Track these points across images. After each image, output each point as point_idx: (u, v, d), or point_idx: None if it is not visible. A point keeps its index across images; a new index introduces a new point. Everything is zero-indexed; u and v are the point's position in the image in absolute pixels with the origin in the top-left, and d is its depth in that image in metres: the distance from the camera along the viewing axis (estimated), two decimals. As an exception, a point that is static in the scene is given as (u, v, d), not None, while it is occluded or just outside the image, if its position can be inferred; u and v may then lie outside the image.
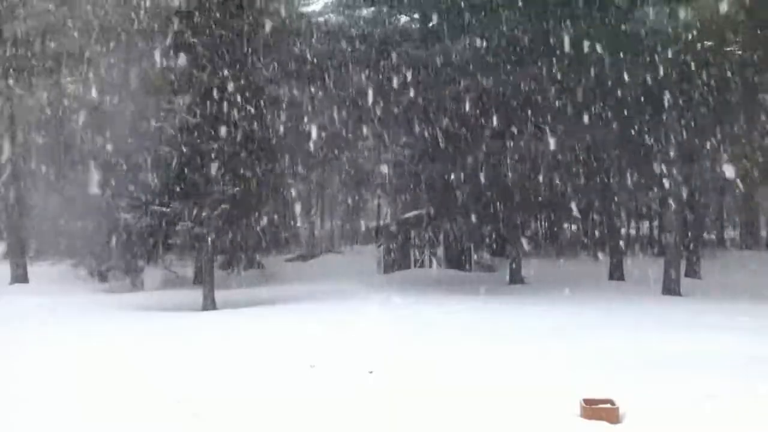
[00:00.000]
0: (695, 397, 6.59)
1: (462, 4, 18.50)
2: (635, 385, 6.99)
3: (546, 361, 8.65)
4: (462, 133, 19.58)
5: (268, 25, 17.22)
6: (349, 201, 40.21)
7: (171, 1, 16.33)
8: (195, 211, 15.54)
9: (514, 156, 19.11)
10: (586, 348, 9.56)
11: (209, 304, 16.24)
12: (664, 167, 18.53)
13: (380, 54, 19.53)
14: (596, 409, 5.96)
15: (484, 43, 18.16)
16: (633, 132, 19.40)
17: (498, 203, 20.22)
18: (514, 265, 21.51)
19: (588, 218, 32.08)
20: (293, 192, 18.01)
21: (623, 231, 31.64)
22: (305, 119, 21.76)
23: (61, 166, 24.15)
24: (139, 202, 15.98)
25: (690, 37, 15.80)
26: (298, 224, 26.14)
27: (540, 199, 21.62)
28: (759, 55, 16.77)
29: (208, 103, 15.82)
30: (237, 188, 15.74)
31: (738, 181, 18.86)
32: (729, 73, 17.31)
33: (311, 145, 21.43)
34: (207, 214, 15.55)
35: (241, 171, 15.95)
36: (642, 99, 18.50)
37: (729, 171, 17.20)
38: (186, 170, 15.67)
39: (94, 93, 20.29)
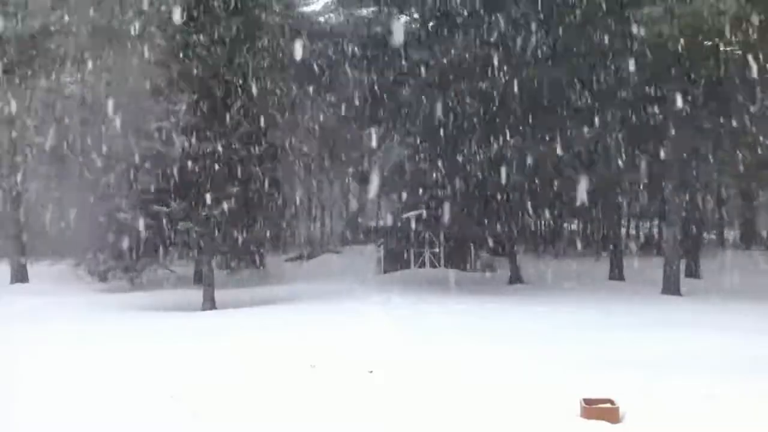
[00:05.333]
0: (695, 397, 6.58)
1: (462, 4, 18.50)
2: (635, 385, 6.98)
3: (546, 361, 8.64)
4: (462, 132, 19.58)
5: (269, 25, 17.23)
6: (350, 200, 40.25)
7: (172, 0, 16.34)
8: (195, 211, 15.54)
9: (514, 155, 19.10)
10: (586, 348, 9.56)
11: (209, 303, 16.24)
12: (663, 166, 18.53)
13: (380, 53, 19.52)
14: (596, 409, 5.95)
15: (485, 43, 18.16)
16: (632, 131, 19.40)
17: (498, 203, 20.22)
18: (514, 265, 21.51)
19: (588, 218, 32.09)
20: (293, 191, 18.00)
21: (623, 231, 31.61)
22: (305, 119, 21.78)
23: (61, 166, 24.12)
24: (139, 201, 15.98)
25: (690, 36, 15.80)
26: (298, 224, 26.13)
27: (540, 197, 21.63)
28: (759, 53, 16.76)
29: (208, 103, 15.82)
30: (237, 188, 15.74)
31: (737, 180, 18.87)
32: (728, 73, 17.30)
33: (311, 144, 21.43)
34: (207, 213, 15.55)
35: (241, 170, 15.95)
36: (642, 98, 18.51)
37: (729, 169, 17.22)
38: (186, 170, 15.66)
39: (94, 92, 20.28)
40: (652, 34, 15.55)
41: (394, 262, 25.58)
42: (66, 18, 20.53)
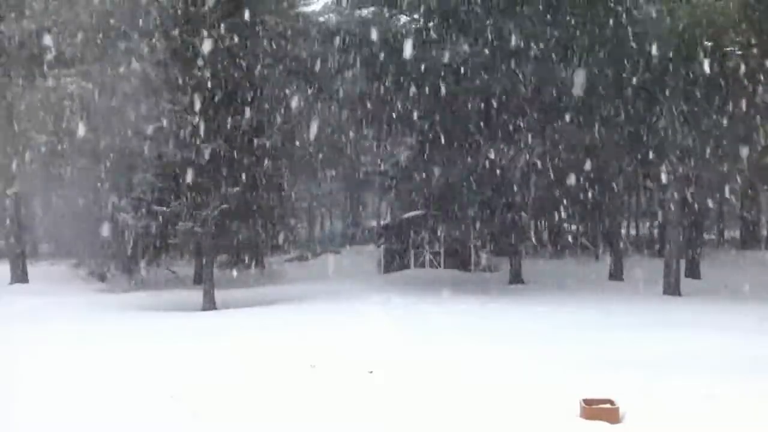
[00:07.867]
0: (695, 397, 6.59)
1: (461, 4, 18.49)
2: (635, 385, 6.99)
3: (546, 361, 8.64)
4: (462, 132, 19.57)
5: (268, 25, 17.23)
6: (349, 201, 40.25)
7: (172, 1, 16.32)
8: (195, 211, 15.53)
9: (514, 155, 19.09)
10: (586, 348, 9.57)
11: (209, 303, 16.23)
12: (663, 166, 18.53)
13: (380, 54, 19.51)
14: (596, 409, 5.96)
15: (484, 44, 18.15)
16: (632, 131, 19.40)
17: (498, 203, 20.20)
18: (514, 266, 21.50)
19: (588, 218, 32.07)
20: (293, 191, 18.02)
21: (623, 231, 31.59)
22: (305, 119, 21.77)
23: (61, 166, 24.12)
24: (138, 202, 15.98)
25: (689, 35, 15.80)
26: (298, 224, 26.15)
27: (540, 197, 21.63)
28: (757, 53, 16.75)
29: (208, 103, 15.81)
30: (237, 188, 15.73)
31: (737, 179, 18.84)
32: (728, 71, 17.29)
33: (311, 145, 21.41)
34: (207, 214, 15.54)
35: (241, 171, 15.94)
36: (641, 98, 18.50)
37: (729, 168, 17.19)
38: (186, 170, 15.66)
39: (94, 93, 20.28)
40: (653, 33, 15.57)
41: (394, 262, 25.59)
42: (66, 17, 20.52)
